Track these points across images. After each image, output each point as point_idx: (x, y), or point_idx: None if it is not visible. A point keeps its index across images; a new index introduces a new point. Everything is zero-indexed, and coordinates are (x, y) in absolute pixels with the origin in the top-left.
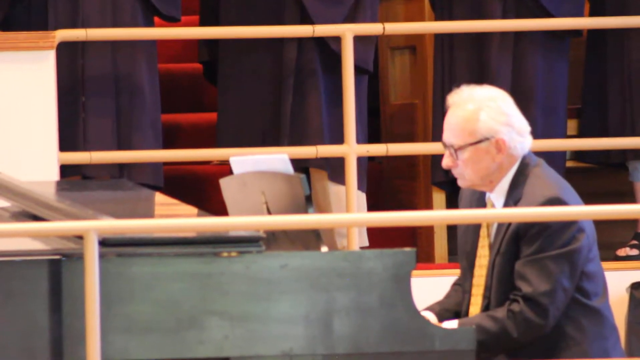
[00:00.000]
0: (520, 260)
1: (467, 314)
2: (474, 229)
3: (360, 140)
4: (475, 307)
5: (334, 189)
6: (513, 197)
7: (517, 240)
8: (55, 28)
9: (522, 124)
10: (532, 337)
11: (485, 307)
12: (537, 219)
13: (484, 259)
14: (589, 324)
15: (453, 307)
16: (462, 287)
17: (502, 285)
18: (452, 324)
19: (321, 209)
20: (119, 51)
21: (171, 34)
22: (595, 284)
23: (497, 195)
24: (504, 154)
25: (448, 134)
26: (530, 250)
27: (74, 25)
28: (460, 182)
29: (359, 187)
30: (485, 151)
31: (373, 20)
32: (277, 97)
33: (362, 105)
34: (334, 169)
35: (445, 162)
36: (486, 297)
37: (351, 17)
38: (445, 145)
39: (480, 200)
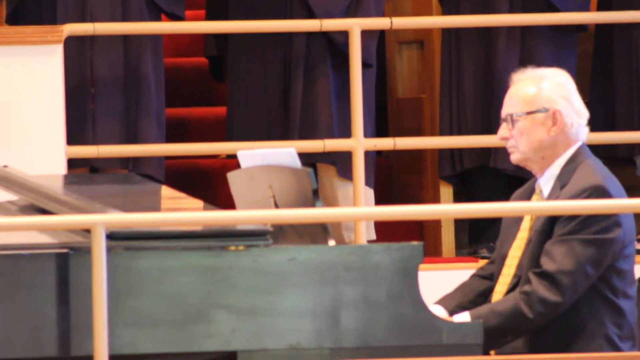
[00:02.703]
0: (551, 239)
1: (492, 293)
2: (516, 222)
3: (367, 134)
4: (502, 285)
5: (342, 185)
6: (561, 182)
7: (554, 221)
8: (64, 22)
9: (581, 106)
10: (548, 316)
11: (514, 285)
12: (545, 213)
13: (522, 240)
14: (609, 321)
15: (465, 302)
16: (494, 274)
17: (533, 263)
18: (463, 316)
19: (330, 204)
20: (126, 45)
21: (178, 28)
22: (625, 282)
23: (546, 180)
24: (559, 128)
25: (507, 106)
26: (563, 231)
27: (82, 19)
28: (513, 157)
29: (367, 183)
30: (541, 122)
31: (378, 14)
32: (285, 92)
33: (370, 99)
34: (344, 164)
35: (500, 133)
36: (517, 275)
37: (353, 10)
38: (502, 120)
39: (529, 195)
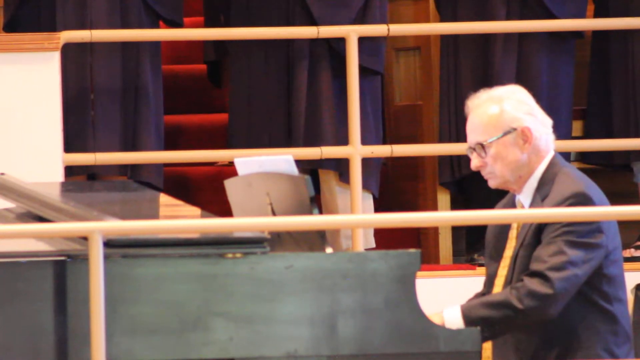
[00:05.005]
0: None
1: None
2: (503, 234)
3: (374, 140)
4: None
5: (341, 191)
6: (541, 194)
7: (539, 233)
8: (63, 29)
9: (544, 116)
10: (539, 309)
11: None
12: (540, 220)
13: (508, 260)
14: (604, 329)
15: None
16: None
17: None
18: (454, 310)
19: (329, 211)
20: (125, 52)
21: (176, 35)
22: (615, 288)
23: (525, 195)
24: (531, 144)
25: (473, 135)
26: (549, 236)
27: (81, 26)
28: (491, 182)
29: (371, 188)
30: (512, 143)
31: (382, 23)
32: (288, 97)
33: (376, 105)
34: (347, 170)
35: (474, 164)
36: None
37: (359, 21)
38: (471, 149)
39: (511, 207)
